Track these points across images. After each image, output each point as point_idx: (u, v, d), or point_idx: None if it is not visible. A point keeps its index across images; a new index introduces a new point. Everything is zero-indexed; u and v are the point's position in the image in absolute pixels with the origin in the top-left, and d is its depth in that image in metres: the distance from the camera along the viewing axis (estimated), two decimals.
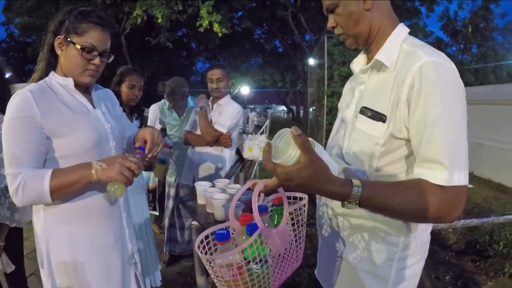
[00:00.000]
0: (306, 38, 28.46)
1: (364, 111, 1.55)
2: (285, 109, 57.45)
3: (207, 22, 17.28)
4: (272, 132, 24.26)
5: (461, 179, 1.30)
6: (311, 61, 18.40)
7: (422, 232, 1.59)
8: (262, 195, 1.54)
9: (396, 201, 1.31)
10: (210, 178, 2.97)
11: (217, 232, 1.30)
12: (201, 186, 2.54)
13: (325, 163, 1.25)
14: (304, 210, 1.53)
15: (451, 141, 1.30)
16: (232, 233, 1.45)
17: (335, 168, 1.32)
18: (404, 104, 1.39)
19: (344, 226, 1.67)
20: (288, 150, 1.21)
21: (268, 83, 49.16)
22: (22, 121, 1.85)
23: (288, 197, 1.52)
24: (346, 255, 1.67)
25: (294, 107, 45.58)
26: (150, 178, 5.53)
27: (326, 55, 12.17)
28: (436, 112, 1.31)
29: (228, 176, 3.98)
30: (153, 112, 5.46)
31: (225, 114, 4.26)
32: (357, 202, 1.29)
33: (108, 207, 2.12)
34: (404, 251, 1.56)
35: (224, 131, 4.17)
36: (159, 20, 17.91)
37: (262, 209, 1.41)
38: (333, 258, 1.75)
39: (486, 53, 25.01)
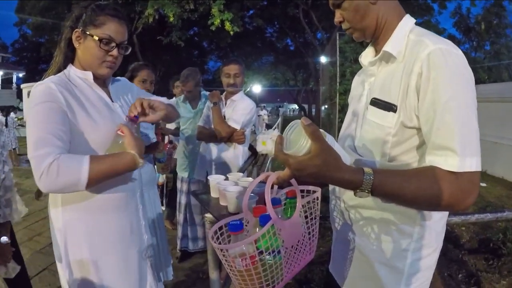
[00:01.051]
0: (318, 36, 28.31)
1: (375, 102, 1.55)
2: (297, 107, 57.26)
3: (218, 21, 17.28)
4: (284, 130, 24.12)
5: (473, 165, 1.29)
6: (323, 59, 18.36)
7: (437, 222, 1.58)
8: (275, 188, 1.56)
9: (409, 188, 1.31)
10: (223, 173, 2.97)
11: (230, 222, 1.31)
12: (215, 179, 2.55)
13: (336, 152, 1.26)
14: (317, 203, 1.53)
15: (462, 127, 1.30)
16: (246, 225, 1.45)
17: (347, 158, 1.33)
18: (413, 92, 1.39)
19: (357, 218, 1.67)
20: (299, 141, 1.22)
21: (280, 81, 48.88)
22: (48, 106, 1.85)
23: (302, 191, 1.52)
24: (360, 247, 1.67)
25: (306, 106, 45.40)
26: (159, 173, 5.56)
27: (338, 53, 12.14)
28: (445, 98, 1.31)
29: (241, 171, 3.97)
30: None
31: (239, 110, 4.25)
32: (369, 190, 1.29)
33: (126, 198, 2.14)
34: (418, 242, 1.55)
35: (237, 127, 4.15)
36: (171, 19, 17.93)
37: (275, 202, 1.42)
38: (347, 250, 1.75)
39: (500, 51, 24.76)
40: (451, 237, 5.90)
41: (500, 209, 2.77)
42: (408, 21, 1.56)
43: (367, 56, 1.74)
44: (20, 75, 38.22)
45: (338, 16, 1.62)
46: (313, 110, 37.91)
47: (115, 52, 2.04)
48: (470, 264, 5.14)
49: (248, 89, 42.42)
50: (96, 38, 1.98)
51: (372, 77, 1.65)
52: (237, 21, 18.39)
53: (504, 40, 25.58)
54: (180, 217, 4.97)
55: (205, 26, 19.18)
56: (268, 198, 1.23)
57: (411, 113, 1.41)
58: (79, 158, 1.79)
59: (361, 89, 1.73)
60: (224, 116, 4.25)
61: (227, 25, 17.54)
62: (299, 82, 45.09)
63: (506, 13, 24.79)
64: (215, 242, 1.32)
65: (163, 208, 6.24)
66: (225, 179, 2.60)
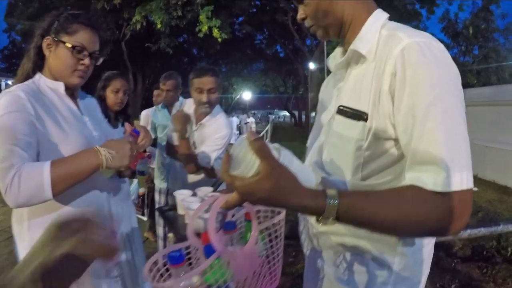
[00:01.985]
0: (307, 43, 28.49)
1: (342, 110, 1.33)
2: (287, 114, 57.47)
3: (206, 27, 17.24)
4: (273, 138, 24.01)
5: (463, 181, 1.05)
6: (312, 65, 18.39)
7: (422, 248, 1.36)
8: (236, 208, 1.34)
9: (385, 214, 1.06)
10: (196, 186, 2.74)
11: (169, 254, 1.10)
12: (181, 195, 2.38)
13: (291, 172, 1.03)
14: (282, 226, 1.31)
15: (448, 136, 1.07)
16: (195, 252, 1.25)
17: (311, 178, 1.12)
18: (387, 96, 1.17)
19: (326, 245, 1.45)
20: (245, 159, 1.01)
21: (269, 88, 49.24)
22: (16, 116, 1.76)
23: (265, 211, 1.33)
24: (331, 277, 1.44)
25: (296, 112, 45.61)
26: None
27: (325, 59, 12.09)
28: (427, 101, 1.08)
29: (216, 183, 3.70)
30: (144, 117, 5.37)
31: (210, 145, 3.46)
32: (334, 217, 1.04)
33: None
34: (400, 273, 1.33)
35: (208, 166, 3.46)
36: (158, 26, 17.92)
37: (230, 226, 1.23)
38: (317, 279, 1.53)
39: (488, 54, 25.02)
40: (443, 245, 5.73)
41: (495, 222, 2.62)
42: (379, 15, 1.34)
43: (335, 57, 1.52)
44: (9, 82, 38.01)
45: (301, 13, 1.42)
46: (303, 116, 38.17)
47: (87, 60, 2.00)
48: (463, 273, 4.99)
49: (238, 97, 42.52)
50: (69, 45, 1.94)
51: (340, 81, 1.43)
52: (225, 28, 18.33)
53: (492, 44, 25.84)
54: (159, 230, 4.74)
55: (194, 33, 19.12)
56: (211, 227, 1.03)
57: (385, 121, 1.19)
58: (39, 164, 1.71)
59: (329, 96, 1.51)
60: (194, 143, 3.55)
61: (215, 32, 17.49)
62: (288, 89, 45.50)
63: (493, 17, 25.07)
64: (153, 279, 1.10)
65: (145, 218, 6.06)
66: (193, 195, 2.41)
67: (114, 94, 3.82)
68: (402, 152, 1.21)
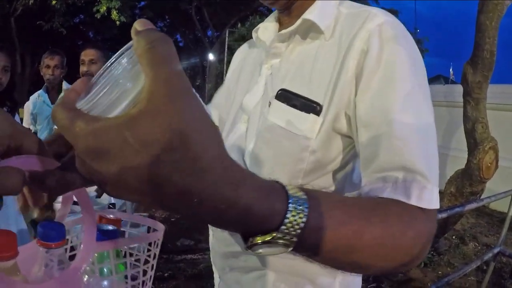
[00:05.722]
0: (208, 34, 28.38)
1: (285, 96, 0.99)
2: None
3: (104, 8, 16.45)
4: None
5: (438, 197, 0.79)
6: (211, 56, 18.28)
7: None
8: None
9: (370, 236, 0.63)
10: None
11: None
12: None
13: (214, 124, 0.47)
14: (156, 253, 0.78)
15: (427, 137, 0.82)
16: None
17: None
18: (350, 80, 0.89)
19: (249, 266, 1.09)
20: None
21: None
22: None
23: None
24: None
25: None
26: None
27: (226, 49, 12.01)
28: (406, 91, 0.83)
29: None
30: (27, 108, 4.36)
31: None
32: (293, 238, 0.53)
33: None
34: None
35: None
36: (53, 2, 16.87)
37: (53, 234, 0.59)
38: None
39: None
40: None
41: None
42: None
43: (266, 29, 1.17)
44: None
45: None
46: None
47: None
48: None
49: None
50: None
51: (276, 57, 1.10)
52: (125, 10, 17.58)
53: None
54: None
55: (91, 14, 18.25)
56: None
57: (341, 113, 0.92)
58: None
59: (251, 74, 1.20)
60: None
61: (114, 14, 16.75)
62: None
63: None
64: None
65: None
66: None
67: None
68: (352, 155, 0.97)
